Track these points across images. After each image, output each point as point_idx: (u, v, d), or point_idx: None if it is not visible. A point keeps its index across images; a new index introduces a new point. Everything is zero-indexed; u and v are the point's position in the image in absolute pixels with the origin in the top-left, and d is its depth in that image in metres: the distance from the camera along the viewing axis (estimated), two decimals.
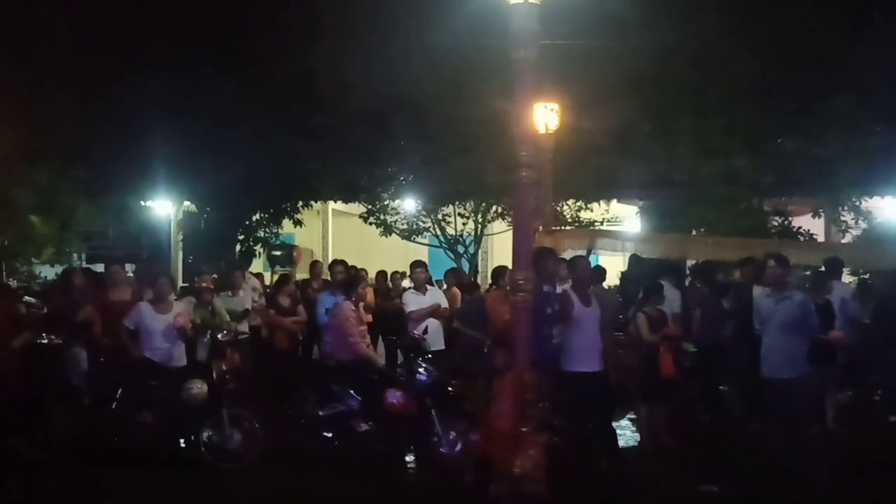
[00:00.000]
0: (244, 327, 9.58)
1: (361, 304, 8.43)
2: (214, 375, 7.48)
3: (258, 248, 16.78)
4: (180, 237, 19.09)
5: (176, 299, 8.48)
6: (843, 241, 16.38)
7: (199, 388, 7.30)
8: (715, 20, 12.73)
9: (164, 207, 18.87)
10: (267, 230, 17.02)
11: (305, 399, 7.60)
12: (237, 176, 14.72)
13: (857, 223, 16.45)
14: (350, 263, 11.09)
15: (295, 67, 14.67)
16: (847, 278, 12.89)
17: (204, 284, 9.32)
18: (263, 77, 14.67)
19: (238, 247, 16.68)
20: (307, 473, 7.00)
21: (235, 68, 14.41)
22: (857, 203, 16.34)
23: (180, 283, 14.81)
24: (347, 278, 9.12)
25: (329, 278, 10.66)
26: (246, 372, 8.86)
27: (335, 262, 11.16)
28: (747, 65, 12.91)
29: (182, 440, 7.44)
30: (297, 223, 17.19)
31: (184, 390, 7.31)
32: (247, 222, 16.71)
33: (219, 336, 8.03)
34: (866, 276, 12.71)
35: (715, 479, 6.90)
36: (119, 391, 7.49)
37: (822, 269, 9.82)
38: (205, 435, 7.21)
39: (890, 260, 11.72)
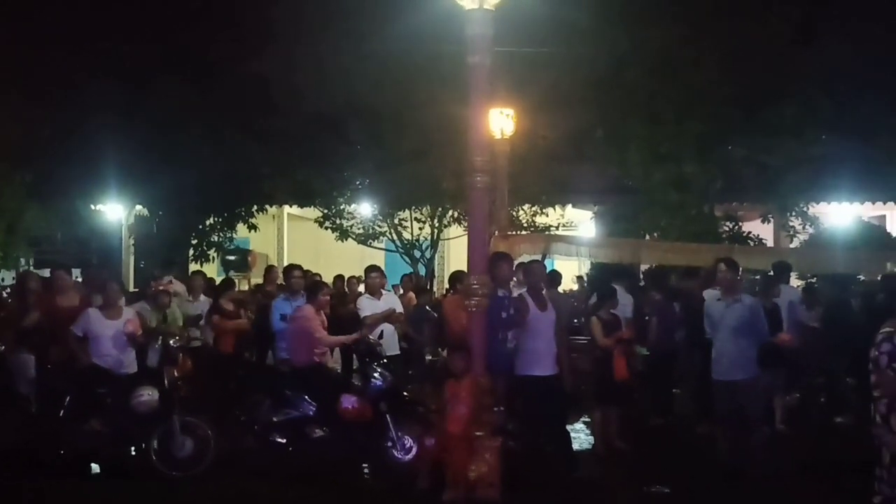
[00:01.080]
0: (196, 333, 9.44)
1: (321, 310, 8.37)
2: (166, 382, 7.37)
3: (212, 253, 16.57)
4: (132, 242, 18.75)
5: (127, 305, 8.33)
6: (791, 245, 16.77)
7: (149, 395, 7.18)
8: (667, 29, 12.95)
9: (115, 211, 18.54)
10: (221, 234, 16.82)
11: (259, 405, 7.52)
12: (190, 180, 14.53)
13: (804, 228, 16.85)
14: (306, 268, 11.02)
15: (249, 71, 14.55)
16: (795, 282, 13.19)
17: (161, 287, 9.19)
18: (217, 80, 14.52)
19: (191, 251, 16.46)
20: (260, 480, 6.92)
21: (189, 71, 14.23)
22: (804, 208, 16.74)
23: (132, 289, 14.56)
24: (310, 284, 9.05)
25: (284, 283, 10.57)
26: (198, 378, 8.73)
27: (291, 266, 11.06)
28: (698, 73, 13.13)
29: (132, 448, 7.31)
30: (252, 227, 17.03)
31: (134, 397, 7.17)
32: (200, 226, 16.49)
33: (170, 342, 7.89)
34: (813, 281, 13.01)
35: (667, 481, 6.98)
36: (67, 398, 7.32)
37: (771, 273, 10.01)
38: (155, 443, 7.08)
39: (835, 264, 12.02)
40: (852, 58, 13.69)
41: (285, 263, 14.60)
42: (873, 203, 18.24)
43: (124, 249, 19.05)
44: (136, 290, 13.27)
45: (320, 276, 11.73)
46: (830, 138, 14.59)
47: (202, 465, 7.07)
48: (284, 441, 7.32)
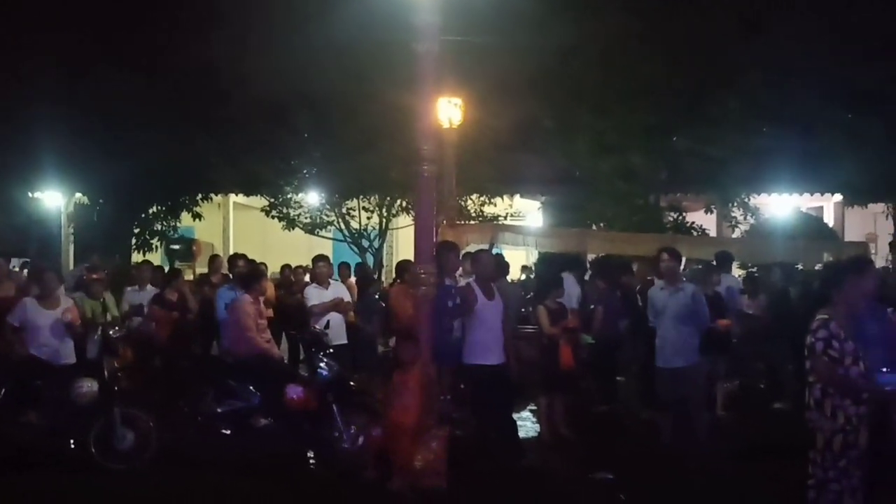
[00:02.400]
0: (136, 323, 9.28)
1: (262, 299, 8.28)
2: (105, 373, 7.21)
3: (155, 242, 16.26)
4: (71, 230, 18.30)
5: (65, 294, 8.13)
6: (733, 235, 17.13)
7: (88, 386, 7.02)
8: (614, 21, 13.05)
9: (54, 199, 18.09)
10: (164, 223, 16.51)
11: (202, 396, 7.41)
12: (132, 167, 14.20)
13: (745, 219, 17.24)
14: (252, 257, 10.89)
15: (194, 57, 14.23)
16: (736, 272, 13.48)
17: (95, 277, 8.99)
18: (161, 67, 14.17)
19: (133, 240, 16.12)
20: (204, 472, 6.82)
21: (131, 57, 13.87)
22: (746, 199, 17.13)
23: None
24: (246, 273, 8.93)
25: (229, 273, 10.44)
26: (140, 369, 8.58)
27: (235, 256, 10.96)
28: (645, 64, 13.29)
29: (71, 441, 7.12)
30: (197, 216, 16.75)
31: (72, 389, 7.01)
32: (143, 215, 16.17)
33: (110, 332, 7.72)
34: (754, 270, 13.32)
35: (611, 467, 7.08)
36: (2, 390, 7.12)
37: (714, 262, 10.21)
38: (95, 435, 6.93)
39: (775, 254, 12.32)
40: (794, 51, 13.96)
41: (231, 253, 14.39)
42: (811, 194, 18.72)
43: (64, 238, 18.59)
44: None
45: (266, 266, 11.61)
46: (771, 130, 14.90)
47: (144, 458, 6.95)
48: (229, 432, 7.23)
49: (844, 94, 14.49)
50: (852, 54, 13.86)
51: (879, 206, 17.83)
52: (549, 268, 11.12)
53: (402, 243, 17.84)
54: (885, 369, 4.92)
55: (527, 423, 8.74)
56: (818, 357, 4.94)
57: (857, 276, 5.09)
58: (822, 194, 18.73)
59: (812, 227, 16.81)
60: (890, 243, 17.36)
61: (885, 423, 5.36)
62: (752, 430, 8.54)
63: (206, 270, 12.24)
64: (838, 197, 18.62)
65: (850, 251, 12.02)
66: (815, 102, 14.46)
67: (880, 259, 17.12)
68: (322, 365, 7.33)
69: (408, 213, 16.19)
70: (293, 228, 16.73)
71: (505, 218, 17.02)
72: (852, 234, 18.56)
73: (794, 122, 14.77)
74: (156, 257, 15.87)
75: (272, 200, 16.49)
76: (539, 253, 12.63)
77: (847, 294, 5.02)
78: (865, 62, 13.82)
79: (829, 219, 19.34)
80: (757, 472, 6.84)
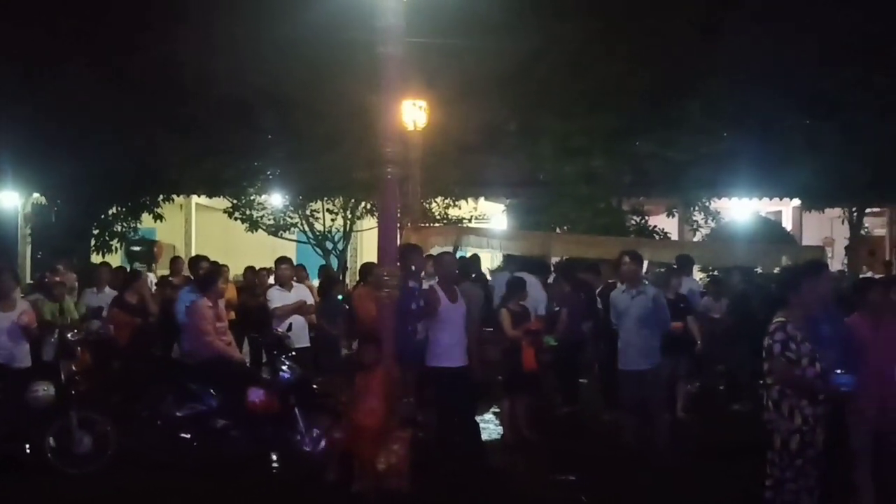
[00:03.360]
0: (97, 325, 9.12)
1: (221, 301, 8.19)
2: (62, 376, 7.08)
3: (115, 244, 16.00)
4: (28, 231, 17.94)
5: (22, 296, 7.98)
6: (695, 239, 17.36)
7: (45, 390, 6.91)
8: (579, 24, 13.15)
9: (10, 199, 17.72)
10: (125, 224, 16.25)
11: (162, 399, 7.31)
12: (91, 167, 13.94)
13: (706, 222, 17.48)
14: (215, 259, 10.77)
15: (157, 55, 14.03)
16: (698, 275, 13.66)
17: (57, 279, 8.82)
18: (122, 64, 13.94)
19: (93, 242, 15.85)
20: (164, 476, 6.73)
21: (91, 54, 13.63)
22: (707, 203, 17.37)
23: (28, 280, 13.94)
24: (203, 275, 8.82)
25: (191, 275, 10.31)
26: (99, 372, 8.44)
27: (197, 257, 10.83)
28: (607, 69, 13.40)
29: (27, 445, 6.99)
30: (158, 217, 16.51)
31: (28, 392, 6.90)
32: (102, 216, 15.88)
33: (68, 335, 7.58)
34: (716, 273, 13.49)
35: (573, 469, 7.12)
36: None
37: (675, 265, 10.33)
38: (51, 439, 6.83)
39: (735, 257, 12.51)
40: (754, 57, 14.19)
41: (193, 255, 14.21)
42: (770, 199, 19.04)
43: (20, 239, 18.23)
44: (32, 281, 12.73)
45: (228, 268, 11.49)
46: (732, 135, 15.12)
47: (101, 462, 6.86)
48: (189, 436, 7.14)
49: (803, 101, 14.76)
50: (811, 61, 14.13)
51: (836, 211, 18.18)
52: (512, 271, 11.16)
53: (367, 245, 17.78)
54: (839, 370, 5.01)
55: (490, 426, 8.76)
56: (776, 358, 5.02)
57: (812, 280, 5.19)
58: (780, 199, 19.07)
59: (771, 231, 17.09)
60: (846, 247, 17.75)
61: (840, 423, 5.48)
62: (712, 431, 8.65)
63: (167, 272, 12.09)
64: (797, 202, 18.95)
65: (808, 255, 12.23)
66: (775, 108, 14.72)
67: (837, 262, 17.49)
68: (284, 367, 7.28)
69: (372, 215, 16.13)
70: (256, 230, 16.59)
71: (469, 220, 17.04)
72: (810, 239, 18.92)
73: (753, 127, 15.02)
74: (116, 259, 15.63)
75: (235, 202, 16.32)
76: (503, 255, 12.66)
77: (803, 297, 5.11)
78: (823, 69, 14.09)
79: (787, 223, 19.68)
80: (716, 472, 6.93)
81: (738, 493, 6.04)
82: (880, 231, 21.33)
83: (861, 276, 14.39)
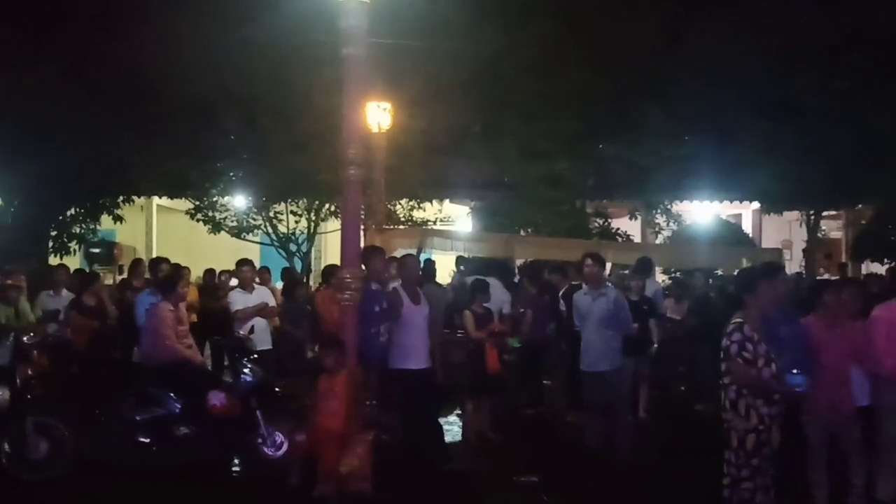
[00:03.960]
0: (54, 328, 8.96)
1: (183, 304, 8.10)
2: (18, 381, 6.94)
3: (73, 246, 15.73)
4: None
5: None
6: (657, 241, 17.56)
7: None
8: (543, 28, 13.23)
9: None
10: (84, 226, 15.98)
11: (120, 404, 7.20)
12: (50, 167, 13.69)
13: (668, 225, 17.69)
14: (176, 262, 10.64)
15: (118, 54, 13.83)
16: (660, 277, 13.82)
17: (10, 282, 8.65)
18: (82, 63, 13.72)
19: (51, 243, 15.57)
20: (123, 482, 6.63)
21: (50, 52, 13.39)
22: (669, 206, 17.58)
23: None
24: (164, 278, 8.72)
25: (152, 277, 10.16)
26: (56, 376, 8.28)
27: (158, 259, 10.69)
28: (571, 72, 13.50)
29: None
30: (118, 219, 16.27)
31: None
32: (61, 217, 15.62)
33: (24, 338, 7.44)
34: (678, 275, 13.66)
35: (537, 470, 7.15)
36: None
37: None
38: (7, 445, 6.69)
39: (696, 259, 12.67)
40: (715, 62, 14.37)
41: (154, 256, 14.02)
42: (731, 202, 19.31)
43: None
44: None
45: (190, 270, 11.36)
46: (693, 139, 15.32)
47: (58, 468, 6.73)
48: (148, 440, 7.04)
49: (762, 106, 14.99)
50: (770, 66, 14.35)
51: (794, 214, 18.49)
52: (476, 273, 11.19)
53: (331, 247, 17.69)
54: (794, 371, 5.10)
55: (454, 427, 8.77)
56: (733, 359, 5.09)
57: (768, 282, 5.27)
58: (740, 202, 19.33)
59: (731, 233, 17.32)
60: (803, 250, 18.06)
61: (795, 423, 5.58)
62: (673, 432, 8.74)
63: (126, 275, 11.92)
64: (756, 205, 19.24)
65: (766, 257, 12.46)
66: (735, 112, 14.92)
67: (795, 265, 17.79)
68: (246, 371, 7.22)
69: (337, 217, 16.01)
70: (219, 232, 16.41)
71: (434, 223, 17.04)
72: (769, 241, 19.20)
73: (714, 132, 15.22)
74: (74, 261, 15.36)
75: (198, 203, 16.12)
76: (463, 257, 12.68)
77: (760, 298, 5.19)
78: (782, 74, 14.32)
79: (747, 226, 19.97)
80: (677, 472, 7.01)
81: (697, 492, 6.10)
82: (837, 234, 21.74)
83: (818, 277, 14.69)
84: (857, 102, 13.90)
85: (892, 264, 14.69)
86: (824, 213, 18.04)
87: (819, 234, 18.52)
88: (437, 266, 11.37)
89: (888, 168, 14.24)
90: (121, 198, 15.93)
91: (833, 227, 21.61)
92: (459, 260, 12.32)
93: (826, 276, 16.31)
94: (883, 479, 5.97)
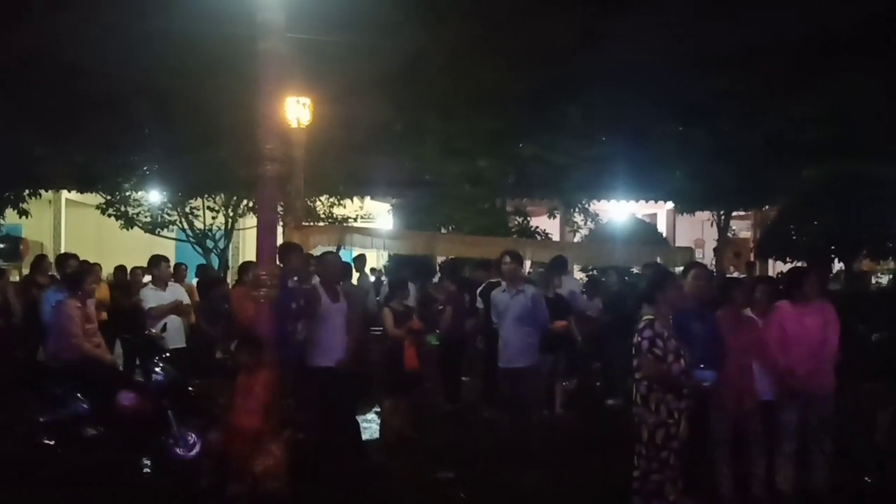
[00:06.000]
0: None
1: (91, 301, 7.84)
2: None
3: None
4: None
5: None
6: (575, 240, 17.87)
7: None
8: (463, 27, 13.28)
9: None
10: None
11: (23, 405, 6.93)
12: None
13: (586, 224, 18.03)
14: (87, 258, 10.30)
15: (22, 41, 13.26)
16: (578, 274, 14.07)
17: None
18: None
19: None
20: (25, 487, 6.37)
21: None
22: (586, 205, 17.92)
23: None
24: (70, 274, 8.43)
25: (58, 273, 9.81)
26: None
27: (65, 255, 10.33)
28: (491, 71, 13.60)
29: None
30: (23, 213, 15.64)
31: None
32: None
33: None
34: (594, 273, 13.93)
35: (453, 467, 7.19)
36: None
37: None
38: None
39: (613, 257, 12.94)
40: (630, 64, 14.69)
41: (62, 252, 13.53)
42: (646, 202, 19.81)
43: None
44: None
45: (101, 267, 11.01)
46: (609, 139, 15.63)
47: None
48: (53, 443, 6.79)
49: (676, 108, 15.40)
50: (683, 70, 14.75)
51: (706, 214, 19.08)
52: (396, 271, 11.22)
53: (249, 244, 17.40)
54: (702, 366, 5.27)
55: (372, 425, 8.74)
56: (644, 355, 5.23)
57: (676, 279, 5.43)
58: (655, 202, 19.85)
59: (646, 232, 17.74)
60: (714, 248, 18.66)
61: (703, 416, 5.76)
62: (588, 426, 8.92)
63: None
64: (670, 204, 19.78)
65: (678, 255, 12.82)
66: (650, 114, 15.30)
67: (706, 263, 18.36)
68: (157, 370, 7.05)
69: (255, 213, 15.72)
70: (132, 228, 15.94)
71: (355, 220, 16.95)
72: (682, 240, 19.81)
73: (630, 133, 15.57)
74: None
75: (109, 197, 15.63)
76: (389, 255, 12.70)
77: (669, 295, 5.34)
78: (693, 78, 14.74)
79: (662, 225, 20.53)
80: (589, 466, 7.15)
81: (609, 486, 6.23)
82: (746, 233, 22.55)
83: (727, 275, 15.20)
84: (764, 107, 14.43)
85: (795, 263, 15.29)
86: (734, 214, 18.65)
87: (729, 234, 19.14)
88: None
89: (792, 170, 14.83)
90: (26, 191, 15.32)
91: (742, 227, 22.41)
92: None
93: (735, 274, 16.91)
94: (781, 469, 6.21)
